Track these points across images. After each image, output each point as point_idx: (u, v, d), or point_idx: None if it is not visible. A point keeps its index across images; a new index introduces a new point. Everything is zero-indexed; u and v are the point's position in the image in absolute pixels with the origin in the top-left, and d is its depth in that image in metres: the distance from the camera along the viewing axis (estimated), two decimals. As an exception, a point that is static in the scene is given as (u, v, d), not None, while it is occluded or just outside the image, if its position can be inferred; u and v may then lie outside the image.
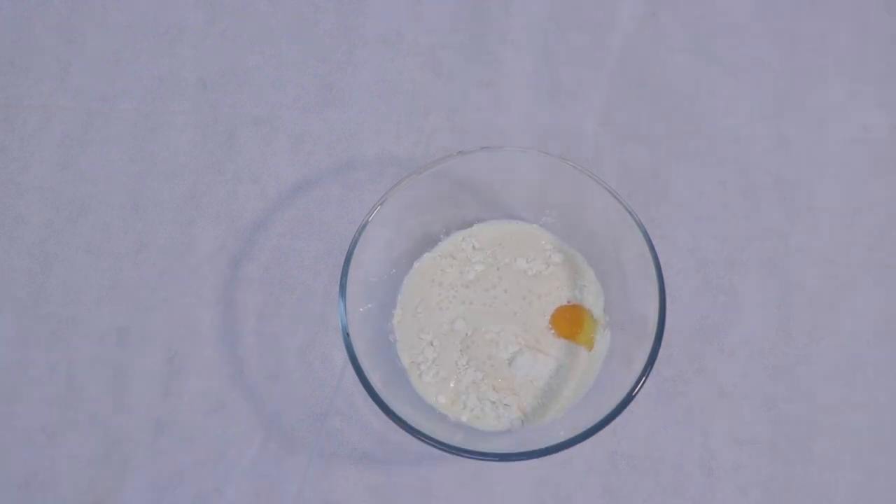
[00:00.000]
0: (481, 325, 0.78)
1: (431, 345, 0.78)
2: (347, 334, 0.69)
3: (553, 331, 0.78)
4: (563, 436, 0.65)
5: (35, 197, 0.90)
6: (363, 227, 0.72)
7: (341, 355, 0.83)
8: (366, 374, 0.68)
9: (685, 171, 0.91)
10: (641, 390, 0.67)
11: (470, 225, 0.83)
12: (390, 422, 0.67)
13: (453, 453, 0.65)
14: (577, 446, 0.65)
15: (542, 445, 0.64)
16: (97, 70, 0.95)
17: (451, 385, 0.77)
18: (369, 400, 0.68)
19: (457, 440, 0.68)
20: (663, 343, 0.68)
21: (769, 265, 0.87)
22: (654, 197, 0.89)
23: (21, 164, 0.91)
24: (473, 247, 0.82)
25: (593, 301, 0.79)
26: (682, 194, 0.90)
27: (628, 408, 0.67)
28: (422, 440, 0.66)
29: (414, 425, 0.66)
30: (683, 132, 0.92)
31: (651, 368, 0.66)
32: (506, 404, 0.75)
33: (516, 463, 0.66)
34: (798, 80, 0.94)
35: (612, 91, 0.94)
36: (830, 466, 0.80)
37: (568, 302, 0.79)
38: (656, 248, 0.70)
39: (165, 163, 0.91)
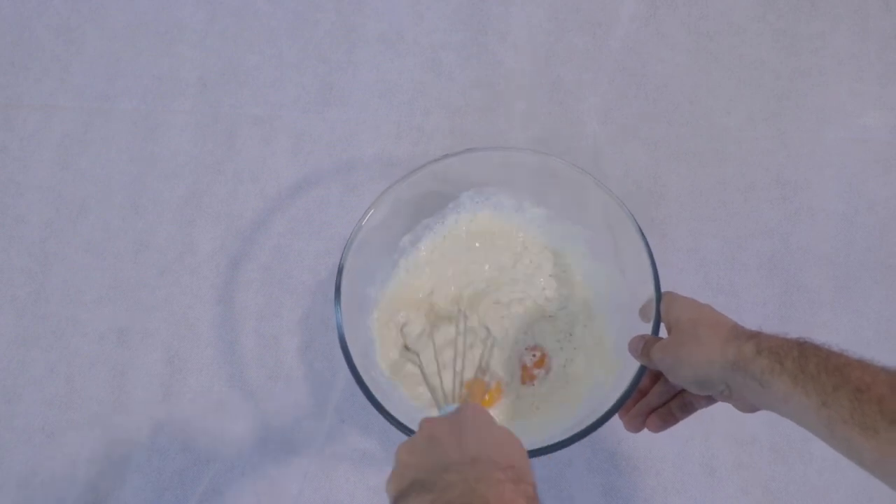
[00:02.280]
0: (473, 336, 0.78)
1: (422, 355, 0.78)
2: (344, 339, 0.69)
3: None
4: (562, 434, 0.65)
5: (35, 197, 0.90)
6: (355, 233, 0.72)
7: (341, 355, 0.83)
8: (363, 377, 0.68)
9: (685, 171, 0.91)
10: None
11: (464, 228, 0.82)
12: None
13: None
14: (578, 447, 0.65)
15: (541, 444, 0.64)
16: (97, 70, 0.95)
17: (447, 390, 0.76)
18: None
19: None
20: (663, 343, 0.67)
21: (769, 265, 0.87)
22: (654, 197, 0.89)
23: (21, 164, 0.91)
24: (470, 256, 0.81)
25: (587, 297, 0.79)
26: (682, 194, 0.90)
27: (629, 408, 0.67)
28: None
29: (412, 427, 0.66)
30: (683, 132, 0.92)
31: (643, 373, 0.65)
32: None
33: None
34: (798, 80, 0.94)
35: (612, 91, 0.94)
36: (830, 467, 0.79)
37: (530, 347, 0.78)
38: (656, 249, 0.70)
39: (165, 163, 0.91)
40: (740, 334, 0.55)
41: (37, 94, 0.94)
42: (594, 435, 0.65)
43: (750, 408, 0.57)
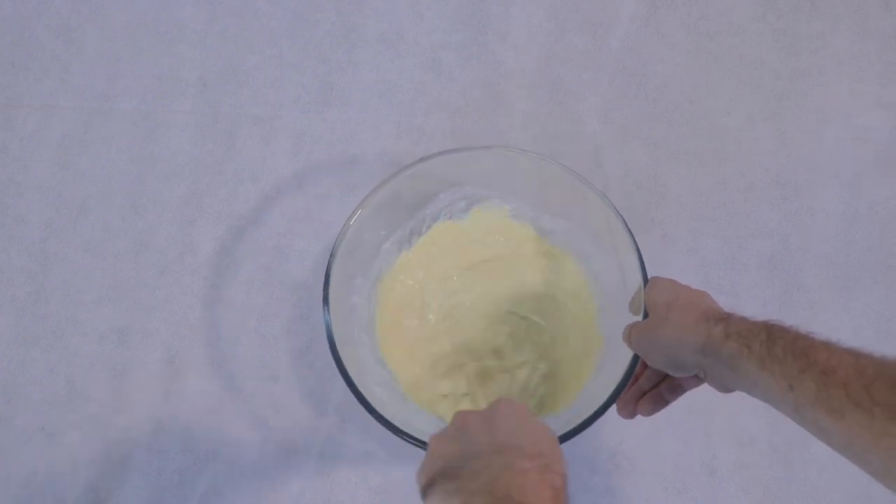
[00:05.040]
0: (468, 341, 0.78)
1: (418, 356, 0.78)
2: (335, 344, 0.67)
3: None
4: (560, 430, 0.65)
5: (35, 197, 0.90)
6: (341, 238, 0.71)
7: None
8: (356, 381, 0.67)
9: (685, 171, 0.91)
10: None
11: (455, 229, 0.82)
12: (391, 422, 0.67)
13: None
14: (579, 446, 0.65)
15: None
16: (97, 70, 0.95)
17: (445, 394, 0.76)
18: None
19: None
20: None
21: (769, 265, 0.87)
22: (654, 197, 0.89)
23: (21, 164, 0.91)
24: (461, 263, 0.81)
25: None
26: (682, 194, 0.90)
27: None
28: (412, 443, 0.65)
29: (408, 430, 0.65)
30: (683, 132, 0.92)
31: (637, 361, 0.65)
32: None
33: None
34: (798, 80, 0.94)
35: (612, 91, 0.94)
36: (831, 467, 0.79)
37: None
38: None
39: (165, 163, 0.91)
40: (710, 317, 0.55)
41: (37, 94, 0.94)
42: (594, 435, 0.65)
43: (725, 388, 0.57)
